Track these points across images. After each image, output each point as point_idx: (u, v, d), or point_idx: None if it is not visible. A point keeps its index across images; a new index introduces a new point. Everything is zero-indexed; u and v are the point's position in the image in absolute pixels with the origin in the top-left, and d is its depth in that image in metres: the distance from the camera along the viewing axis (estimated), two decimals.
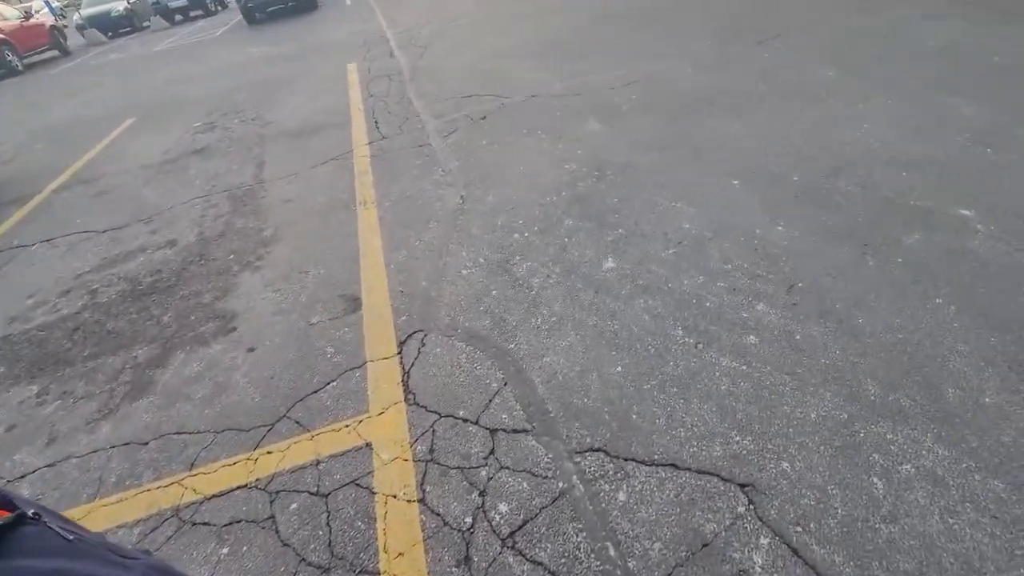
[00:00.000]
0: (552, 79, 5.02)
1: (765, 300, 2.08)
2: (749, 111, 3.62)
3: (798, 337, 1.90)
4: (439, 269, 2.66)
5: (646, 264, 2.40)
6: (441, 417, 1.88)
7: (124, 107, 7.88)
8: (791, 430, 1.60)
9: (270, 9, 15.38)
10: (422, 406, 1.94)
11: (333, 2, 15.73)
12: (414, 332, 2.30)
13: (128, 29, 19.75)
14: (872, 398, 1.64)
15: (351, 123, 5.03)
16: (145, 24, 19.87)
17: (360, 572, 1.48)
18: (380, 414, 1.94)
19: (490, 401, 1.90)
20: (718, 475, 1.52)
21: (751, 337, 1.93)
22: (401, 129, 4.59)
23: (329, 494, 1.70)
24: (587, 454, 1.65)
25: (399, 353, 2.20)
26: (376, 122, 4.89)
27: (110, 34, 19.47)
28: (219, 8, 21.16)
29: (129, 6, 19.64)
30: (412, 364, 2.13)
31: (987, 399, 1.58)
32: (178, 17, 20.55)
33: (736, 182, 2.86)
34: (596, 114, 4.06)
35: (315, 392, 2.10)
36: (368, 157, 4.16)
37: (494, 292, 2.42)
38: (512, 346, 2.11)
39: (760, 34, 5.04)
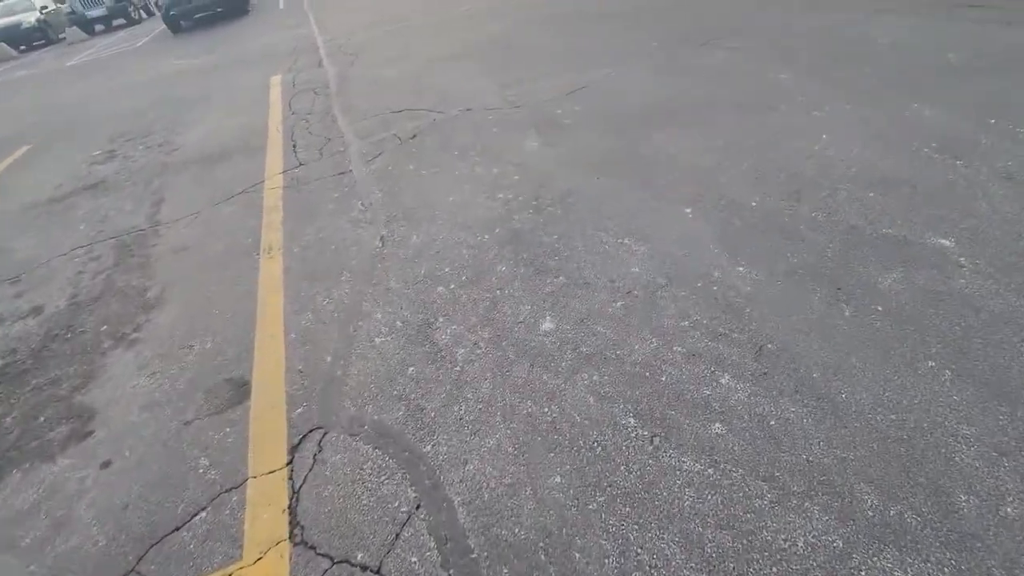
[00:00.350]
0: (490, 89, 4.61)
1: (731, 370, 1.73)
2: (700, 122, 3.30)
3: (773, 423, 1.55)
4: (348, 337, 2.22)
5: (590, 323, 2.02)
6: (334, 564, 1.45)
7: (23, 131, 7.05)
8: (775, 569, 1.24)
9: (197, 16, 14.47)
10: (311, 546, 1.50)
11: (266, 6, 14.89)
12: (311, 430, 1.85)
13: (42, 42, 18.27)
14: (870, 513, 1.30)
15: (267, 147, 4.49)
16: (61, 36, 18.40)
17: None
18: (256, 562, 1.50)
19: (398, 535, 1.48)
20: None
21: (717, 425, 1.58)
22: (321, 153, 4.09)
23: None
24: None
25: (289, 463, 1.76)
26: (294, 145, 4.37)
27: (22, 48, 17.96)
28: (143, 16, 19.87)
29: (42, 17, 18.18)
30: (304, 480, 1.69)
31: (1009, 508, 1.26)
32: (99, 27, 19.17)
33: (689, 210, 2.52)
34: (536, 130, 3.68)
35: (177, 529, 1.63)
36: (281, 189, 3.66)
37: (411, 369, 2.00)
38: (429, 448, 1.69)
39: (710, 34, 4.77)
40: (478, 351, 2.01)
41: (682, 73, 4.08)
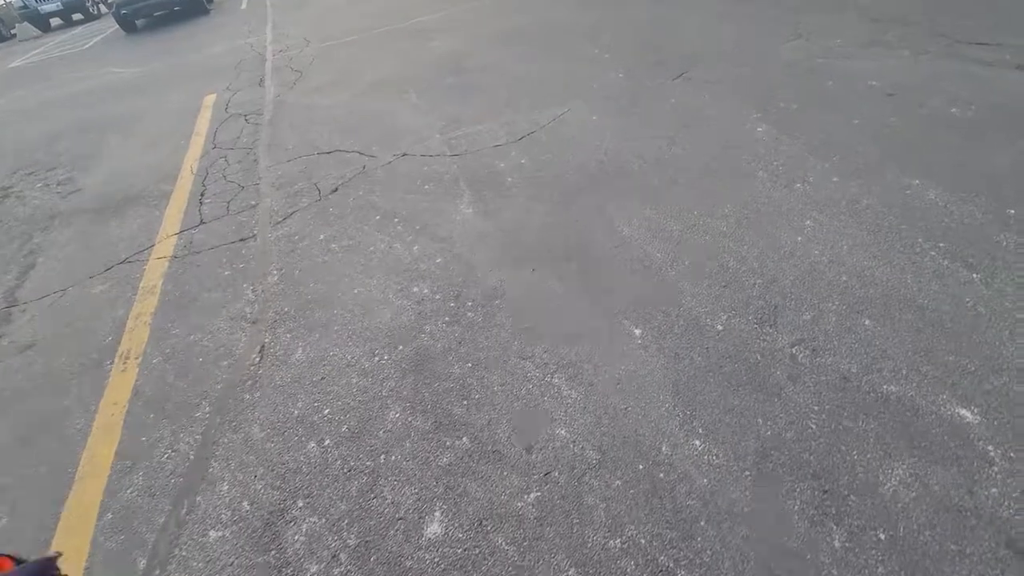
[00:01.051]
0: (432, 127, 4.03)
1: None
2: (660, 191, 2.77)
3: None
4: (177, 524, 1.66)
5: (490, 531, 1.48)
6: None
7: None
8: None
9: (157, 13, 13.65)
10: None
11: (228, 6, 14.07)
12: None
13: None
14: None
15: (173, 194, 3.88)
16: (12, 32, 17.35)
17: None
18: None
19: None
20: None
21: None
22: (228, 208, 3.50)
23: None
24: None
25: None
26: (202, 194, 3.76)
27: None
28: (102, 10, 18.84)
29: None
30: None
31: None
32: (55, 21, 18.21)
33: (639, 332, 1.99)
34: (473, 190, 3.12)
35: None
36: (168, 260, 3.06)
37: None
38: None
39: (677, 64, 4.23)
40: (335, 572, 1.46)
41: (647, 117, 3.54)
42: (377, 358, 2.11)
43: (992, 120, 2.81)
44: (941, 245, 2.10)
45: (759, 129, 3.15)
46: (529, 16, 6.54)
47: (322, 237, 2.97)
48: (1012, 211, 2.19)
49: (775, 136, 3.05)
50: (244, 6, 13.50)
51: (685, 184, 2.79)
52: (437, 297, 2.36)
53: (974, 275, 1.95)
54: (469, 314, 2.23)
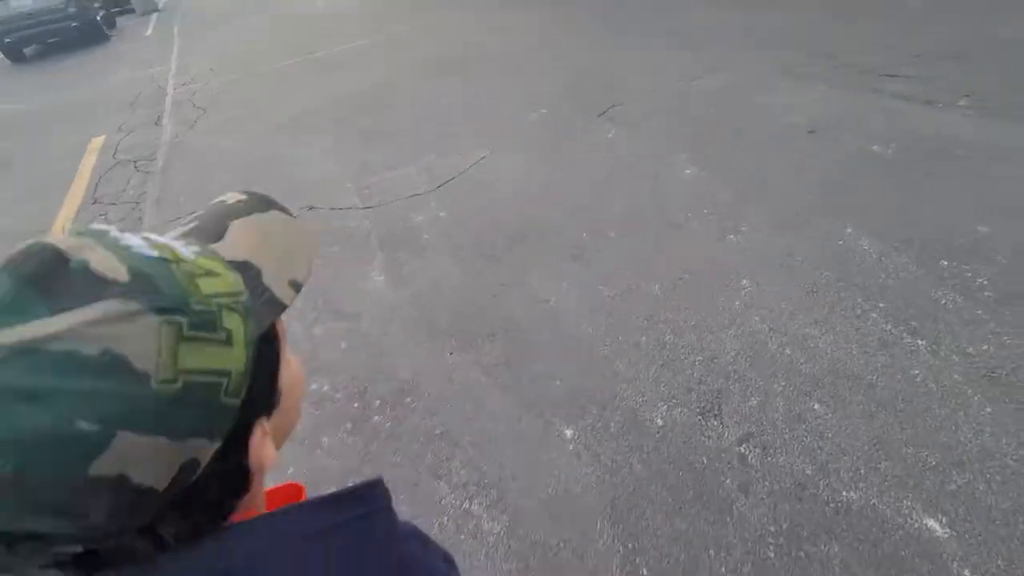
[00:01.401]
0: (344, 175, 3.68)
1: None
2: (588, 247, 2.55)
3: None
4: None
5: None
6: None
7: None
8: None
9: (50, 41, 12.45)
10: None
11: (132, 33, 13.09)
12: None
13: None
14: None
15: None
16: None
17: None
18: None
19: None
20: None
21: None
22: None
23: None
24: None
25: None
26: None
27: None
28: None
29: None
30: None
31: None
32: None
33: (570, 434, 1.73)
34: (386, 250, 2.79)
35: None
36: None
37: None
38: None
39: (603, 98, 4.09)
40: None
41: (572, 160, 3.34)
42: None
43: (911, 158, 2.78)
44: (881, 306, 1.97)
45: (687, 172, 3.01)
46: (461, 43, 6.31)
47: None
48: (944, 262, 2.11)
49: (703, 182, 2.91)
50: (149, 32, 12.60)
51: (615, 238, 2.59)
52: (339, 396, 2.01)
53: (920, 342, 1.82)
54: (375, 418, 1.89)
